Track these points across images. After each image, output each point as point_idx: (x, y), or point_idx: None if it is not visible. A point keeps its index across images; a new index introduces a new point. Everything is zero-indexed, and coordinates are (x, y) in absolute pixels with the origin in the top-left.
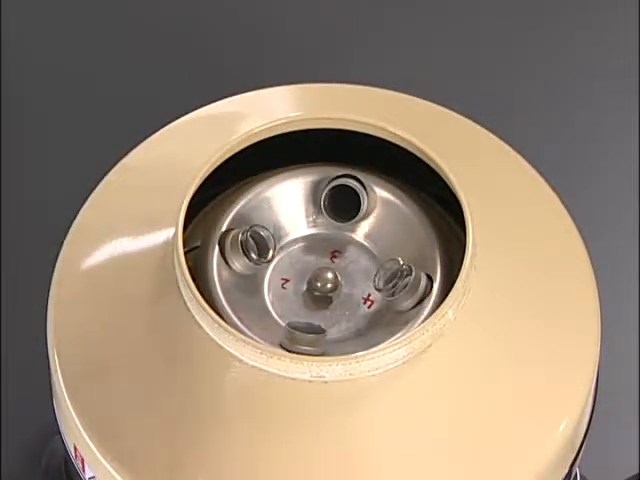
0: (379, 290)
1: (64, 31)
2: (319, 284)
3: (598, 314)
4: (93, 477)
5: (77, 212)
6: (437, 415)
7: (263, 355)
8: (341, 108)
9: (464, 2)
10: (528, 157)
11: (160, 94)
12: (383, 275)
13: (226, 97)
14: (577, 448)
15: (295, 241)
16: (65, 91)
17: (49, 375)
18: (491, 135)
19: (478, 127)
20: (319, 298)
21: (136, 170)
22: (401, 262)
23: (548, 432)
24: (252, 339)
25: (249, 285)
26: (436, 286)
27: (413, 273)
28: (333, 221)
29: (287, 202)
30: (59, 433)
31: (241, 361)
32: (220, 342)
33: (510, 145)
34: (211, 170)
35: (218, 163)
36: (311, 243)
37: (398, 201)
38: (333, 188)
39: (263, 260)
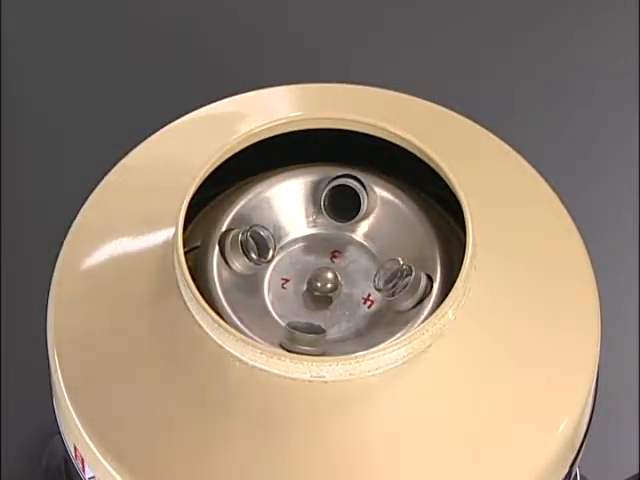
0: (379, 290)
1: (64, 31)
2: (319, 284)
3: (598, 314)
4: (93, 477)
5: (77, 212)
6: (437, 415)
7: (263, 355)
8: (341, 108)
9: (464, 2)
10: (528, 157)
11: (160, 94)
12: (383, 275)
13: (226, 97)
14: (577, 448)
15: (295, 241)
16: (65, 91)
17: (49, 375)
18: (491, 135)
19: (478, 127)
20: (319, 298)
21: (136, 170)
22: (401, 262)
23: (548, 432)
24: (252, 339)
25: (249, 285)
26: (436, 286)
27: (413, 273)
28: (333, 221)
29: (287, 202)
30: (59, 433)
31: (241, 361)
32: (220, 342)
33: (510, 145)
34: (211, 170)
35: (218, 163)
36: (311, 243)
37: (398, 201)
38: (333, 188)
39: (263, 260)
